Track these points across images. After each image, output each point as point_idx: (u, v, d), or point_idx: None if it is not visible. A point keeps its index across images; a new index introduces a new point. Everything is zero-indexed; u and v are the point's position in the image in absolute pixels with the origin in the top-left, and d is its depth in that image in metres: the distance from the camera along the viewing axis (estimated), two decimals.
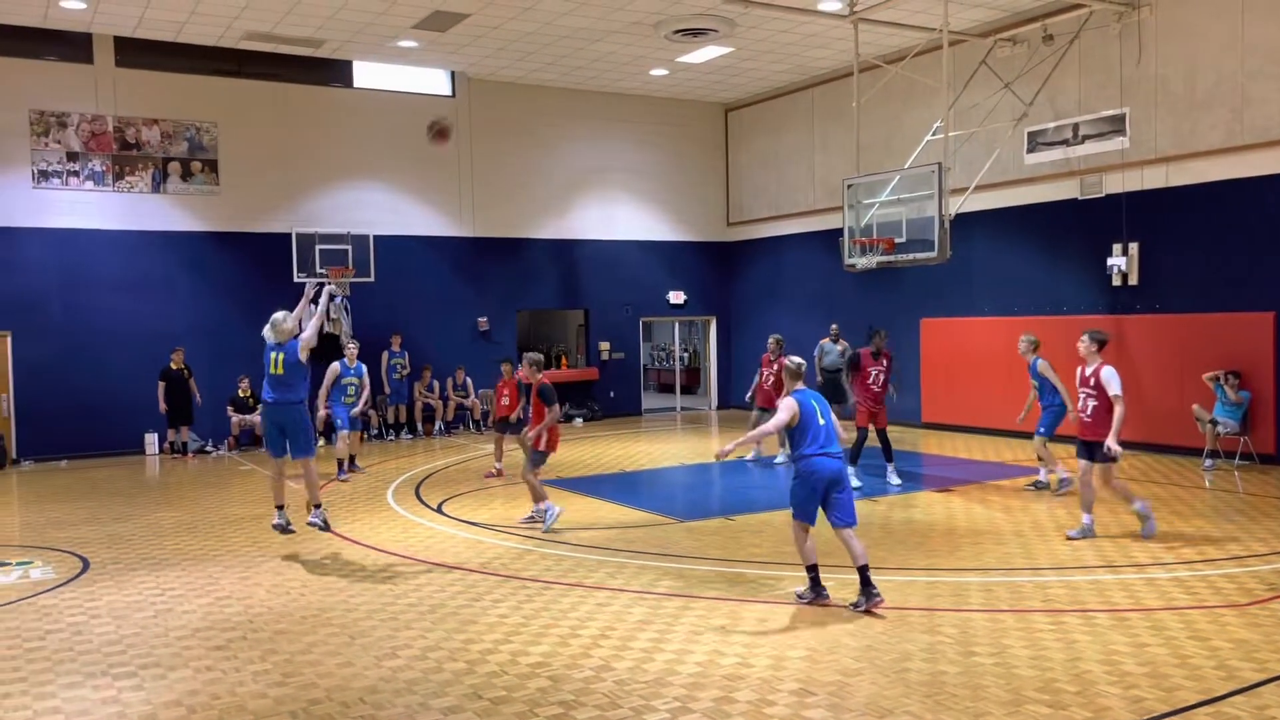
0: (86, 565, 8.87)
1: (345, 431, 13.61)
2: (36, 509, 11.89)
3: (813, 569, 7.16)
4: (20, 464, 15.76)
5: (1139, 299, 14.51)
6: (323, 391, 13.33)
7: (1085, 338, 9.31)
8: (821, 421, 7.10)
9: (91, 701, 5.61)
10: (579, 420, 19.80)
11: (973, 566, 8.18)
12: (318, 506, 9.51)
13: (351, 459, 14.01)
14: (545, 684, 5.71)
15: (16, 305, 15.84)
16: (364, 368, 13.94)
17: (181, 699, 5.62)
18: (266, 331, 9.33)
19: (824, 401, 7.28)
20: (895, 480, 12.02)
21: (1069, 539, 8.99)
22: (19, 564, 8.95)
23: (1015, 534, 9.33)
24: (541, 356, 10.43)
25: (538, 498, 10.00)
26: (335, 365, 13.60)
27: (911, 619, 6.76)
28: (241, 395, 16.73)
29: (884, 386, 12.20)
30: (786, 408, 7.11)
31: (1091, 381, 9.15)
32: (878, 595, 6.93)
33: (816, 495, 7.07)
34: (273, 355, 9.24)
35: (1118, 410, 8.92)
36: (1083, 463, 9.22)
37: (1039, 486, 11.54)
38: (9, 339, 15.89)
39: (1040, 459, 11.61)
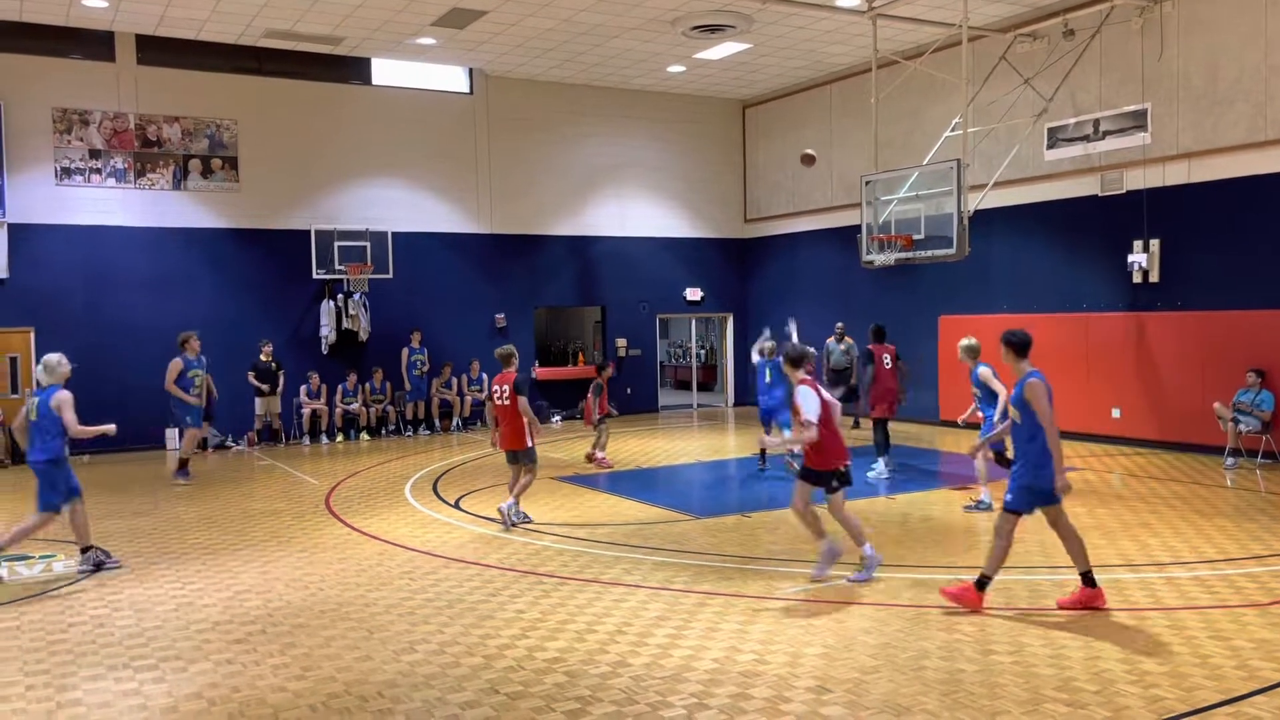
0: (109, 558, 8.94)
1: (196, 430, 13.44)
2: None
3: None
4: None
5: (1160, 296, 14.40)
6: (171, 387, 13.14)
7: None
8: None
9: (113, 693, 5.67)
10: (557, 420, 19.70)
11: None
12: (86, 550, 8.58)
13: (185, 461, 13.46)
14: (562, 679, 5.73)
15: (40, 302, 15.99)
16: (205, 360, 13.63)
17: (202, 691, 5.67)
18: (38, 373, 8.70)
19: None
20: (885, 473, 12.25)
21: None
22: (42, 557, 9.03)
23: (1033, 532, 9.27)
24: (512, 348, 10.22)
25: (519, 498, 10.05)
26: (178, 360, 13.20)
27: (929, 617, 6.74)
28: (264, 360, 16.78)
29: (896, 376, 12.55)
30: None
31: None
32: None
33: None
34: (33, 402, 8.51)
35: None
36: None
37: (980, 507, 10.30)
38: (32, 335, 16.05)
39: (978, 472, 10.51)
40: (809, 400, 7.47)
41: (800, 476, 7.76)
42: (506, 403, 9.91)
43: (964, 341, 10.63)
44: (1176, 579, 7.61)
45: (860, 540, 7.66)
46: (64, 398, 8.53)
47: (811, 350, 7.89)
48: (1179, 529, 9.27)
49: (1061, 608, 6.84)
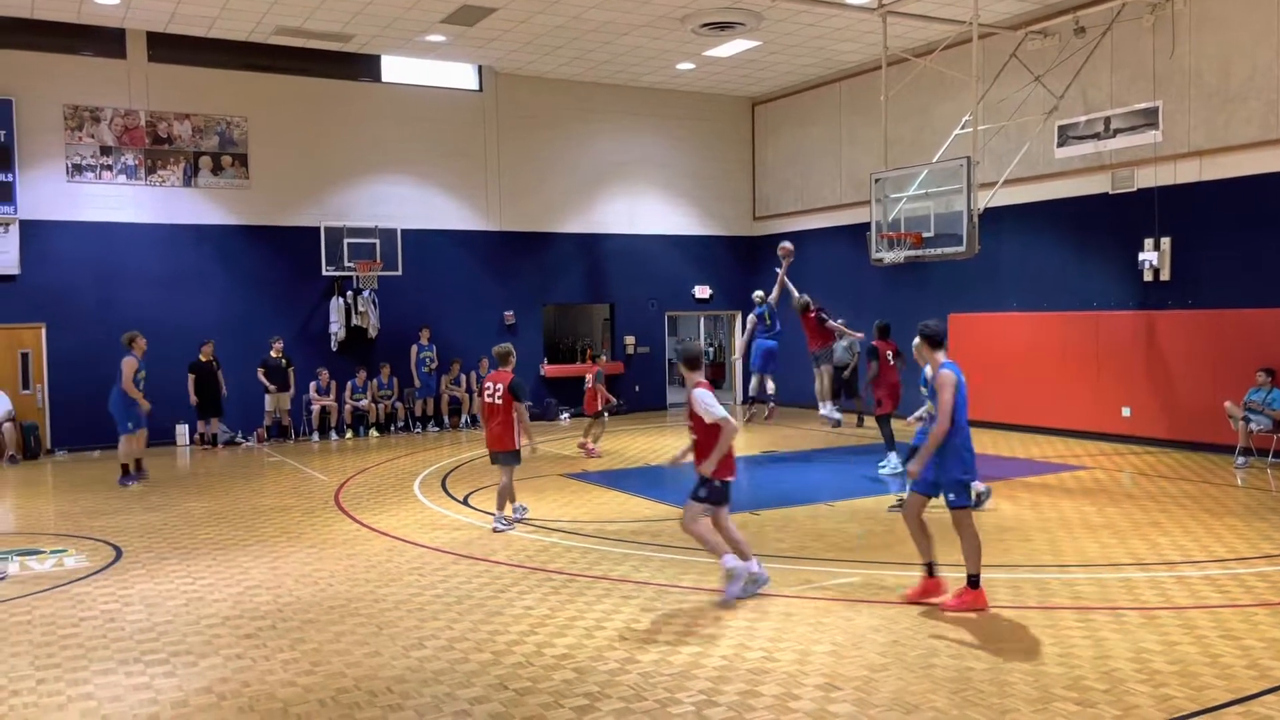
0: (119, 554, 9.00)
1: (141, 431, 13.05)
2: (70, 498, 12.06)
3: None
4: (54, 454, 15.99)
5: (1170, 294, 14.34)
6: (129, 386, 12.61)
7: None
8: None
9: (124, 688, 5.70)
10: (565, 417, 19.72)
11: (1000, 563, 8.12)
12: None
13: (139, 462, 13.17)
14: (570, 676, 5.74)
15: (51, 297, 16.06)
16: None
17: (212, 686, 5.70)
18: None
19: None
20: (898, 468, 12.25)
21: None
22: (54, 552, 9.09)
23: (1043, 530, 9.26)
24: (510, 347, 9.91)
25: (511, 499, 9.87)
26: (132, 359, 12.73)
27: (938, 615, 6.72)
28: (274, 356, 16.81)
29: (898, 372, 12.69)
30: None
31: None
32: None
33: None
34: None
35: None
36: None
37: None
38: (43, 331, 16.13)
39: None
40: (709, 398, 7.01)
41: (692, 494, 7.20)
42: (498, 401, 9.59)
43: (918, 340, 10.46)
44: (1187, 578, 7.59)
45: (747, 556, 7.18)
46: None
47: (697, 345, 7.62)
48: (1189, 528, 9.24)
49: (909, 601, 6.97)
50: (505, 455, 9.70)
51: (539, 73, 19.46)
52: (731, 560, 7.09)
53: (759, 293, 15.45)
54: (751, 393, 14.76)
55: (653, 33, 16.82)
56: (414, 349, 18.10)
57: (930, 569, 7.05)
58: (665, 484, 12.53)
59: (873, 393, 12.92)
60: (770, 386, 14.95)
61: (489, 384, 9.74)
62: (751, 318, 15.27)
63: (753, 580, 7.18)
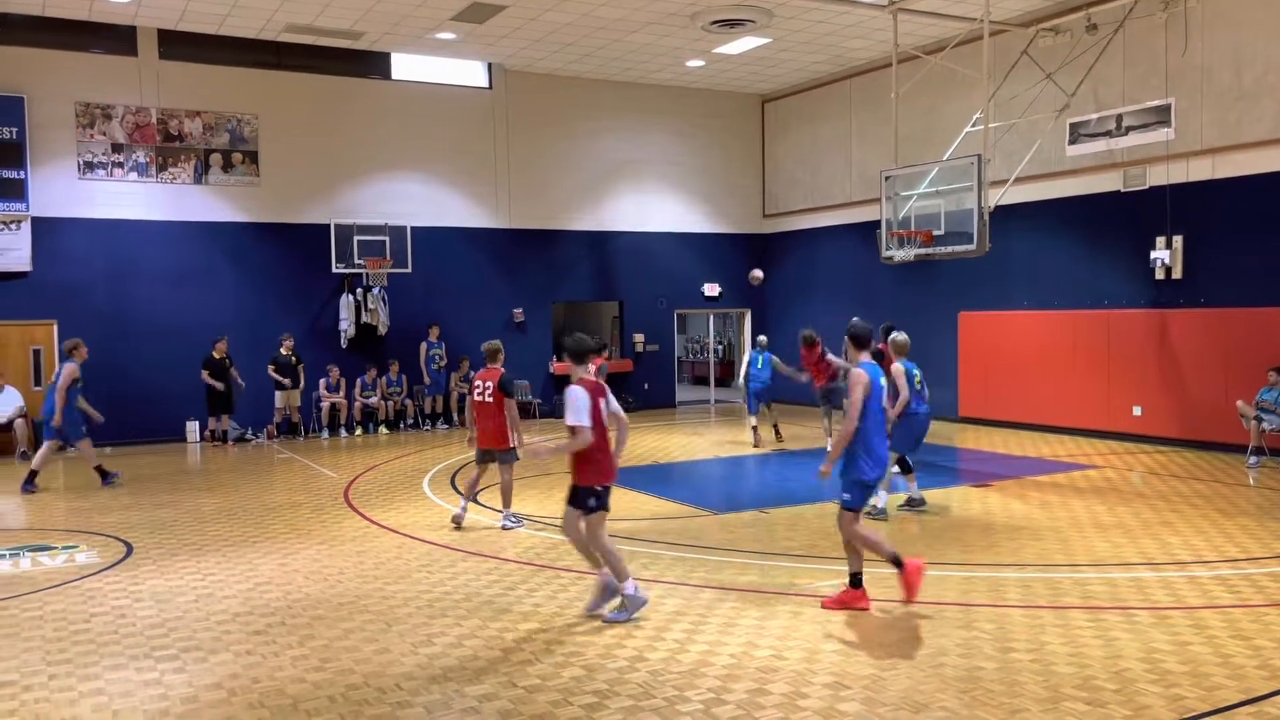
0: (130, 550, 9.04)
1: (80, 444, 12.61)
2: (81, 494, 12.12)
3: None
4: (65, 450, 16.03)
5: (1182, 293, 14.27)
6: (63, 396, 12.14)
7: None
8: None
9: (135, 683, 5.72)
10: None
11: (1010, 562, 8.10)
12: None
13: (34, 473, 12.41)
14: (580, 673, 5.74)
15: (63, 294, 16.13)
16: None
17: (222, 682, 5.72)
18: None
19: None
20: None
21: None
22: (65, 548, 9.13)
23: (1053, 529, 9.23)
24: (499, 344, 9.72)
25: (508, 502, 9.73)
26: (73, 365, 12.28)
27: (947, 614, 6.71)
28: (284, 354, 16.83)
29: None
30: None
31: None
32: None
33: None
34: None
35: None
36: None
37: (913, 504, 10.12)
38: (55, 327, 16.19)
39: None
40: (579, 401, 6.49)
41: (567, 499, 6.82)
42: (489, 400, 9.44)
43: (896, 336, 10.55)
44: (1199, 578, 7.55)
45: (622, 576, 6.66)
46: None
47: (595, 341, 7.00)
48: (1201, 528, 9.19)
49: (825, 607, 6.81)
50: (502, 453, 9.63)
51: (549, 70, 19.46)
52: (607, 577, 6.71)
53: (762, 337, 16.35)
54: (754, 423, 15.47)
55: (662, 30, 16.80)
56: (423, 346, 18.13)
57: (855, 579, 6.85)
58: (673, 482, 12.53)
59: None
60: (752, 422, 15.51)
61: (479, 382, 9.60)
62: (749, 356, 15.67)
63: (633, 603, 6.62)
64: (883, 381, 6.84)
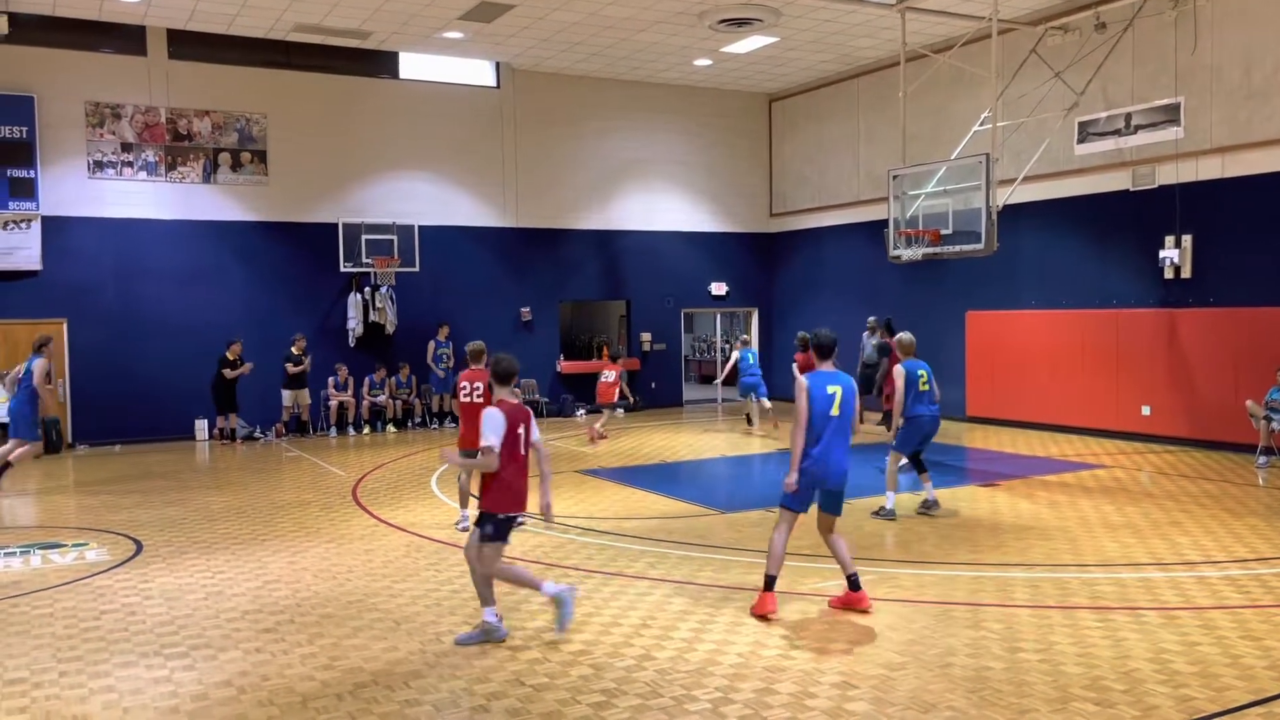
0: (140, 548, 9.07)
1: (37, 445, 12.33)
2: (91, 492, 12.16)
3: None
4: (75, 448, 16.13)
5: (1191, 292, 14.23)
6: (43, 387, 11.97)
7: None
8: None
9: (145, 680, 5.74)
10: (581, 414, 19.74)
11: (1018, 562, 8.09)
12: None
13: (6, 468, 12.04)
14: (587, 672, 5.75)
15: (73, 293, 16.19)
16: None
17: (232, 679, 5.74)
18: None
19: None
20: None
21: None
22: (75, 545, 9.17)
23: (1061, 529, 9.22)
24: (483, 344, 9.36)
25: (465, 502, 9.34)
26: (44, 361, 11.98)
27: (956, 614, 6.70)
28: (296, 352, 16.85)
29: None
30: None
31: None
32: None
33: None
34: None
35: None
36: None
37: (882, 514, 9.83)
38: (65, 326, 16.26)
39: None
40: (492, 422, 6.15)
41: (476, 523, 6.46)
42: (478, 400, 8.87)
43: (902, 336, 10.53)
44: (1207, 578, 7.54)
45: (488, 601, 6.31)
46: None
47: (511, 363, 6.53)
48: (1210, 528, 9.17)
49: (832, 606, 6.87)
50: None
51: (556, 69, 19.47)
52: (550, 586, 6.40)
53: (746, 336, 18.26)
54: (747, 411, 17.14)
55: (670, 29, 16.80)
56: (431, 344, 18.15)
57: (771, 581, 6.73)
58: (681, 481, 12.54)
59: (883, 389, 12.88)
60: (766, 404, 16.76)
61: (464, 383, 9.21)
62: (738, 354, 16.98)
63: (488, 631, 6.29)
64: (829, 391, 6.67)
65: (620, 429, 17.54)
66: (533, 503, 6.65)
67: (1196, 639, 6.12)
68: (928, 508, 10.00)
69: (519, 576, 6.49)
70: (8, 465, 11.95)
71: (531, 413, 6.46)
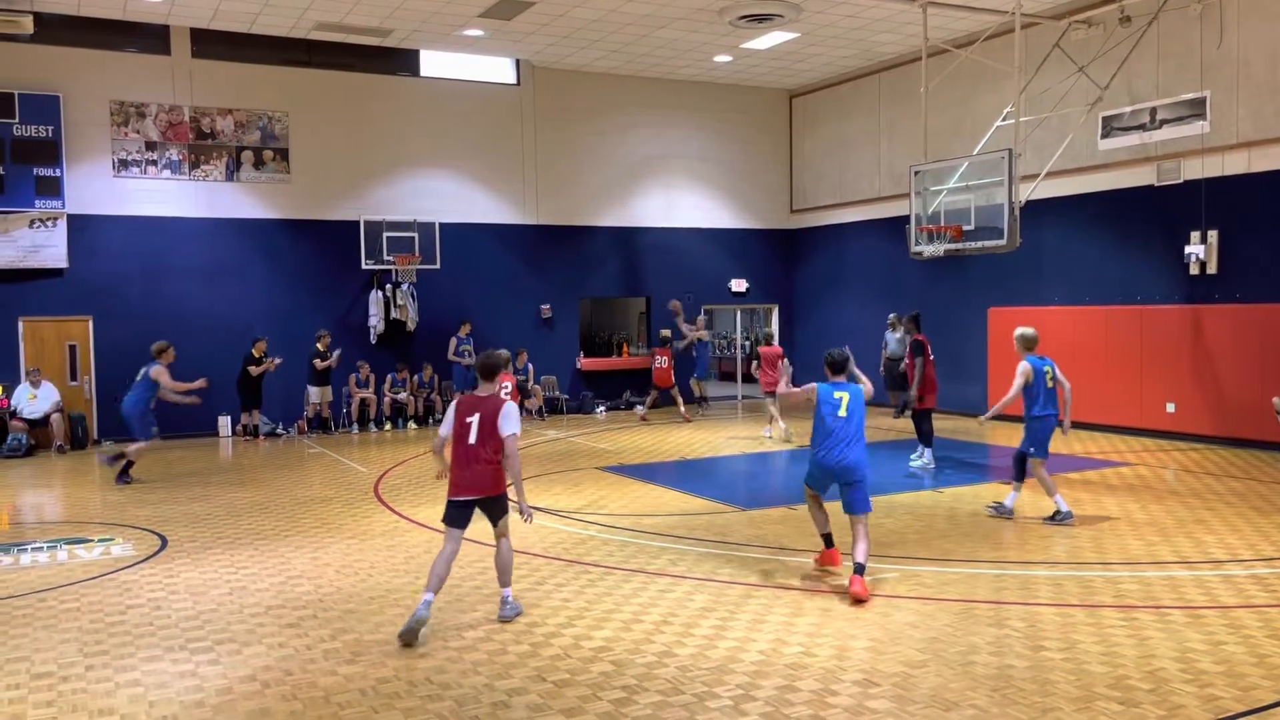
0: (165, 543, 9.16)
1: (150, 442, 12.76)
2: (117, 488, 12.28)
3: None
4: (101, 444, 16.29)
5: (1217, 288, 14.09)
6: (176, 390, 12.64)
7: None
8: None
9: (170, 675, 5.80)
10: (601, 411, 19.78)
11: (1041, 560, 8.04)
12: None
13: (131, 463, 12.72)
14: (608, 668, 5.76)
15: (98, 290, 16.35)
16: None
17: (256, 674, 5.78)
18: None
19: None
20: (931, 463, 12.38)
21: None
22: (101, 540, 9.26)
23: (1085, 527, 9.15)
24: (507, 354, 9.39)
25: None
26: (162, 368, 12.54)
27: (978, 612, 6.67)
28: (321, 349, 16.93)
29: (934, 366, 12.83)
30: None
31: None
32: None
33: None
34: None
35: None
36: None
37: (1057, 519, 9.33)
38: (90, 323, 16.42)
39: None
40: (446, 415, 6.72)
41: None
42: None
43: (1017, 331, 9.95)
44: (1233, 577, 7.46)
45: (430, 588, 6.45)
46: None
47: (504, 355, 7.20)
48: (1236, 526, 9.08)
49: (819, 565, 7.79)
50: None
51: (576, 66, 19.48)
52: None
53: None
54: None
55: (690, 25, 16.77)
56: (453, 341, 18.21)
57: (827, 540, 7.78)
58: (701, 478, 12.53)
59: (917, 389, 12.73)
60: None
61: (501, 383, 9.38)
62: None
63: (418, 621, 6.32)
64: (836, 396, 7.42)
65: (641, 425, 17.56)
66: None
67: (1222, 638, 6.07)
68: (999, 512, 9.59)
69: (437, 570, 6.54)
70: (129, 461, 12.61)
71: (501, 407, 6.59)
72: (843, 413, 7.38)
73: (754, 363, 16.90)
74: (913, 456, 12.53)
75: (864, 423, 7.44)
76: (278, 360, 16.47)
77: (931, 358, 12.57)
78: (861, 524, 7.28)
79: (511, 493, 6.76)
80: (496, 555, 6.81)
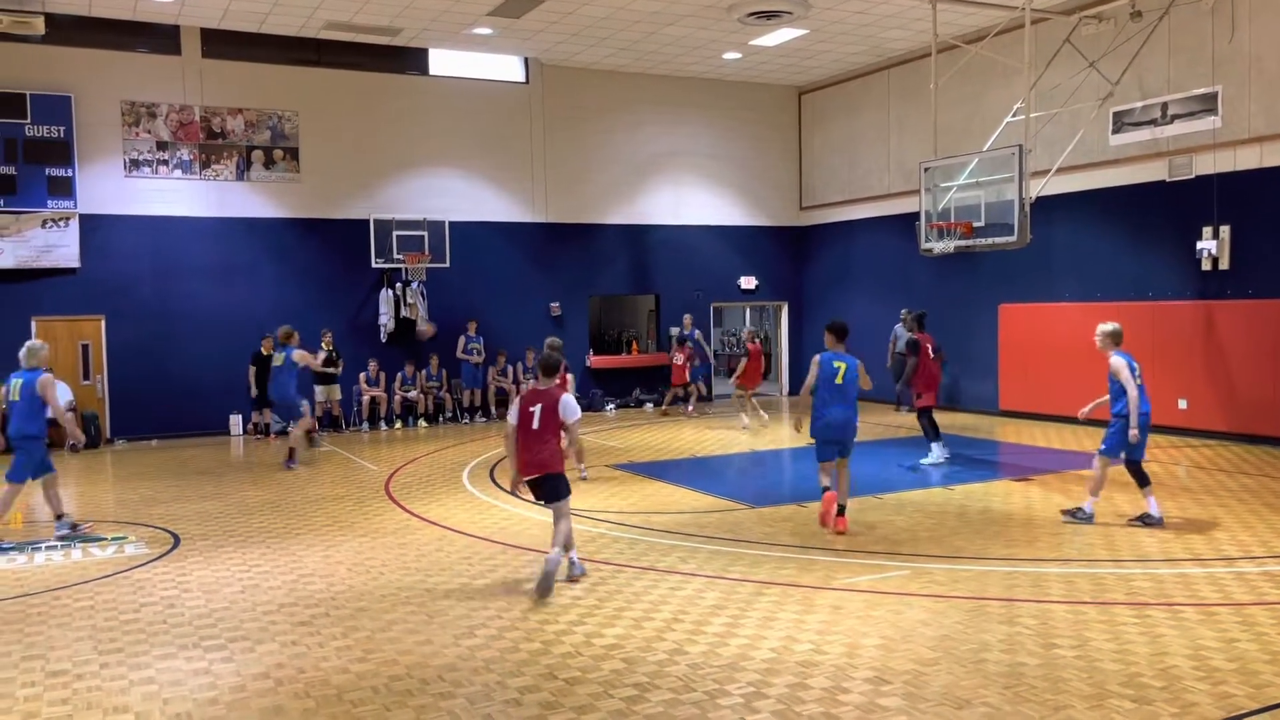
0: (178, 541, 9.20)
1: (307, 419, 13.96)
2: (130, 486, 12.35)
3: None
4: (114, 443, 16.37)
5: (1229, 284, 14.02)
6: (315, 365, 14.02)
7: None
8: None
9: (184, 672, 5.83)
10: (611, 409, 19.81)
11: (1052, 557, 8.03)
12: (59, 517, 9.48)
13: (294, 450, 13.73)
14: (619, 666, 5.77)
15: (110, 290, 16.42)
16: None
17: (269, 671, 5.81)
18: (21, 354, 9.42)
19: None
20: (942, 457, 12.52)
21: None
22: (114, 539, 9.31)
23: (1097, 524, 9.12)
24: (560, 349, 10.30)
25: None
26: (303, 351, 13.82)
27: (990, 609, 6.66)
28: (324, 348, 17.00)
29: (939, 364, 12.95)
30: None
31: None
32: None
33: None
34: (14, 383, 9.26)
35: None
36: None
37: (1078, 517, 9.19)
38: (103, 323, 16.50)
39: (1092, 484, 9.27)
40: (511, 408, 7.72)
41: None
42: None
43: (1104, 326, 9.27)
44: (1246, 574, 7.43)
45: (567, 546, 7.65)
46: (47, 380, 9.27)
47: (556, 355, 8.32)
48: (1249, 523, 9.05)
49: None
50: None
51: (585, 64, 19.48)
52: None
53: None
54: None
55: (699, 22, 16.75)
56: (461, 340, 18.25)
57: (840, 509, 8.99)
58: (711, 475, 12.53)
59: (912, 386, 12.75)
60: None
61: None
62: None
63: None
64: (835, 365, 8.80)
65: (650, 423, 17.57)
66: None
67: (1235, 635, 6.05)
68: (1147, 523, 8.92)
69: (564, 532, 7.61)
70: (292, 448, 13.61)
71: (560, 398, 7.59)
72: (839, 380, 8.74)
73: (742, 360, 16.92)
74: (926, 457, 12.53)
75: (857, 392, 8.84)
76: (323, 355, 16.47)
77: (933, 356, 12.59)
78: (845, 468, 8.95)
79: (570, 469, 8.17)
80: (556, 533, 7.55)
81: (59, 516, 9.44)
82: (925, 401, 12.57)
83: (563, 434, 7.52)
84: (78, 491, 12.31)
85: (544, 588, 7.10)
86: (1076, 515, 9.22)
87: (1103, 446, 9.12)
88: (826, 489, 9.02)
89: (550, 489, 7.53)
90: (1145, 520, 8.96)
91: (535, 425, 7.43)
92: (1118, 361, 9.01)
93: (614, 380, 20.39)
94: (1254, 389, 13.58)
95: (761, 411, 16.79)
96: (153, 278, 16.75)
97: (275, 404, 14.41)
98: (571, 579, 7.50)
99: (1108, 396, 9.25)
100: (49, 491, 9.52)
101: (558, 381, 7.71)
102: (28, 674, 5.86)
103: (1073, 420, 15.85)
